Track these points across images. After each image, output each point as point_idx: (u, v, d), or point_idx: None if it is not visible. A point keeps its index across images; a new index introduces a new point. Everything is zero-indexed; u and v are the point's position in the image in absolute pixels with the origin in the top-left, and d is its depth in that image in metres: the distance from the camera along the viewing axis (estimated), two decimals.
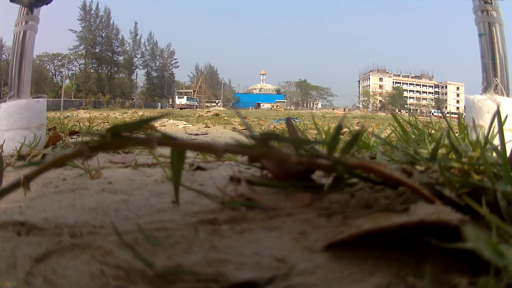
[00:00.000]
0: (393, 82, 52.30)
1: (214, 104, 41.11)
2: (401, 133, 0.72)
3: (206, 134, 2.28)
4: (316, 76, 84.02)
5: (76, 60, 36.54)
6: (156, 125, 2.52)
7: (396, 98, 48.50)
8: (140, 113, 8.30)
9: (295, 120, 3.56)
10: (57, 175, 0.69)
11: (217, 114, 5.40)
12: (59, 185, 0.62)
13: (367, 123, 3.14)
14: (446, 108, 48.45)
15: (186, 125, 3.14)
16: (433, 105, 50.28)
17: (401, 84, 52.32)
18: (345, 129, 1.69)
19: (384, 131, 1.34)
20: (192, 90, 41.70)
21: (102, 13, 36.65)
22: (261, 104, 44.51)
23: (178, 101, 35.54)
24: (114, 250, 0.33)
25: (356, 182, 0.49)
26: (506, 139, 0.40)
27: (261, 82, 57.57)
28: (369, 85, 52.51)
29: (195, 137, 1.98)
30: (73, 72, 36.38)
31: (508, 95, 0.94)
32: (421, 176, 0.41)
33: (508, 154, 0.38)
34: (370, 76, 52.78)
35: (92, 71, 36.50)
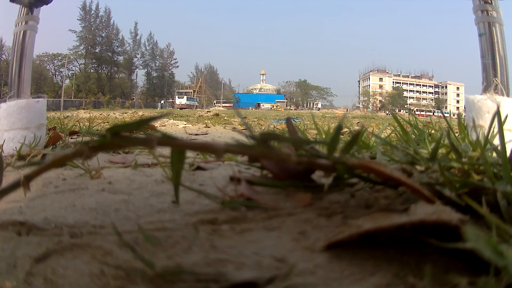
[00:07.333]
0: (393, 82, 52.27)
1: (218, 104, 41.19)
2: (401, 133, 0.72)
3: (206, 134, 2.28)
4: (316, 76, 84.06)
5: (76, 60, 36.57)
6: (156, 125, 2.52)
7: (396, 98, 48.47)
8: (140, 113, 8.30)
9: (295, 120, 3.56)
10: (57, 175, 0.69)
11: (217, 114, 5.40)
12: (59, 185, 0.62)
13: (367, 123, 3.14)
14: (446, 108, 48.44)
15: (186, 125, 3.14)
16: (433, 105, 50.26)
17: (401, 84, 52.27)
18: (345, 129, 1.69)
19: (384, 131, 1.34)
20: (192, 90, 41.72)
21: (102, 13, 36.72)
22: (261, 104, 44.51)
23: (178, 101, 35.51)
24: (114, 250, 0.33)
25: (356, 182, 0.49)
26: (506, 139, 0.40)
27: (261, 82, 57.53)
28: (369, 85, 52.48)
29: (195, 137, 1.98)
30: (73, 72, 36.42)
31: (508, 95, 0.94)
32: (421, 176, 0.41)
33: (508, 154, 0.38)
34: (370, 76, 52.75)
35: (92, 71, 36.51)
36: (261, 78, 57.82)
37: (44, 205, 0.49)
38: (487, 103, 0.89)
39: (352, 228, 0.32)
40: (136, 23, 41.52)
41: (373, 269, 0.28)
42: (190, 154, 0.81)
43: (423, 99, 53.38)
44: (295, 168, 0.50)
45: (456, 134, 0.76)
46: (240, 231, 0.37)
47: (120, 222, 0.41)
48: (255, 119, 4.55)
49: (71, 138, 1.46)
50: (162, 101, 38.50)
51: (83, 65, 36.25)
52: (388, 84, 52.24)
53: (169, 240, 0.35)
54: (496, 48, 0.96)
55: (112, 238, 0.35)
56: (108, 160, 0.89)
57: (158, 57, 41.90)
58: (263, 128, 2.67)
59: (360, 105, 50.26)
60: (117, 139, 0.34)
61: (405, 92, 51.56)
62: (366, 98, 50.43)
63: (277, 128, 2.41)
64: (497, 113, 0.43)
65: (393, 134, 0.88)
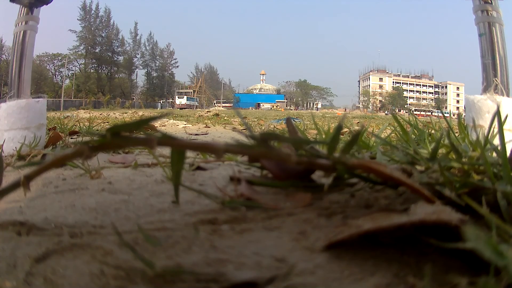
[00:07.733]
0: (393, 82, 52.25)
1: (218, 104, 41.21)
2: (401, 133, 0.72)
3: (206, 134, 2.28)
4: (316, 76, 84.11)
5: (76, 60, 36.56)
6: (156, 125, 2.52)
7: (396, 98, 48.45)
8: (140, 113, 8.30)
9: (295, 120, 3.56)
10: (57, 175, 0.69)
11: (217, 114, 5.40)
12: (59, 185, 0.62)
13: (367, 123, 3.14)
14: (446, 108, 48.43)
15: (186, 125, 3.14)
16: (433, 105, 50.24)
17: (401, 84, 52.25)
18: (345, 129, 1.69)
19: (384, 131, 1.34)
20: (192, 90, 41.72)
21: (102, 13, 36.72)
22: (261, 104, 44.54)
23: (178, 101, 35.49)
24: (114, 250, 0.33)
25: (356, 182, 0.49)
26: (506, 139, 0.40)
27: (261, 82, 57.51)
28: (369, 85, 52.46)
29: (195, 137, 1.98)
30: (73, 72, 36.41)
31: (508, 95, 0.94)
32: (421, 176, 0.41)
33: (508, 154, 0.38)
34: (370, 76, 52.73)
35: (92, 71, 36.51)
36: (261, 78, 57.80)
37: (44, 205, 0.49)
38: (487, 103, 0.89)
39: (352, 228, 0.32)
40: (136, 23, 41.57)
41: (373, 269, 0.28)
42: (190, 154, 0.81)
43: (423, 99, 53.36)
44: (295, 168, 0.50)
45: (456, 134, 0.76)
46: (240, 231, 0.37)
47: (120, 222, 0.41)
48: (255, 119, 4.55)
49: (71, 138, 1.46)
50: (162, 101, 38.50)
51: (83, 65, 36.27)
52: (388, 84, 52.22)
53: (169, 240, 0.35)
54: (496, 48, 0.96)
55: (112, 238, 0.35)
56: (108, 160, 0.89)
57: (158, 57, 41.92)
58: (263, 128, 2.67)
59: (360, 105, 50.23)
60: (117, 139, 0.34)
61: (405, 92, 51.53)
62: (366, 98, 50.39)
63: (277, 128, 2.41)
64: (497, 113, 0.43)
65: (393, 134, 0.88)
